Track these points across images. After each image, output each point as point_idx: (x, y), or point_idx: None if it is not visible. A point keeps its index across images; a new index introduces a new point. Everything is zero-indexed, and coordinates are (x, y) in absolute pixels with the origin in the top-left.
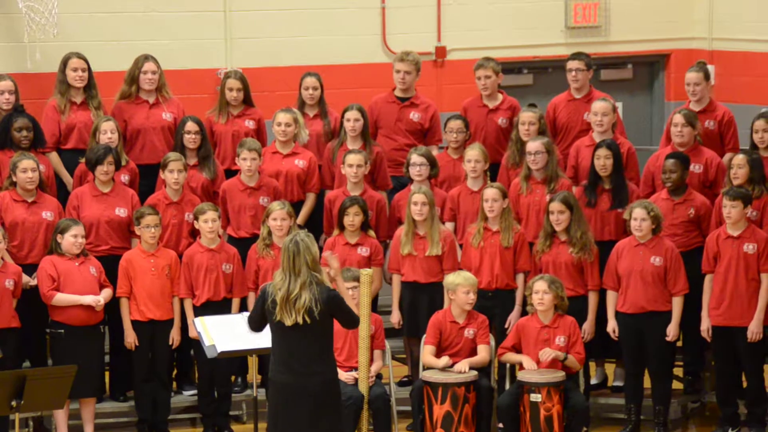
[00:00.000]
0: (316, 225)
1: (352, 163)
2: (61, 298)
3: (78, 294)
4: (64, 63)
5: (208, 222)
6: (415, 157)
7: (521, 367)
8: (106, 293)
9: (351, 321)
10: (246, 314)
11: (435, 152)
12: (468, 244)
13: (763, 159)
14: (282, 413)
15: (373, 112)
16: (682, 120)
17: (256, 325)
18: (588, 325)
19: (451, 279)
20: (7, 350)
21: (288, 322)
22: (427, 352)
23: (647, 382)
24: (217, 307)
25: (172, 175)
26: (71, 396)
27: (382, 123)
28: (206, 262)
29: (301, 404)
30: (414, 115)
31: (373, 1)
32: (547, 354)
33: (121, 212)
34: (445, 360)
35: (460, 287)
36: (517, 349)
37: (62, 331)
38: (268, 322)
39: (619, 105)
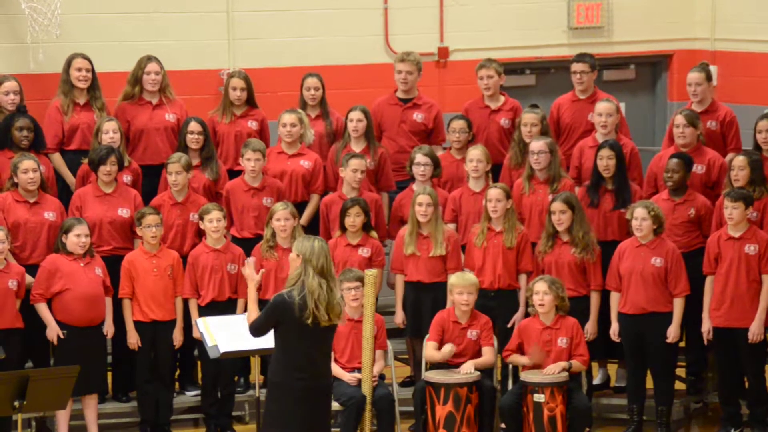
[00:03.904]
0: (319, 226)
1: (357, 168)
2: (42, 310)
3: (82, 295)
4: (68, 63)
5: (213, 222)
6: (419, 157)
7: (524, 368)
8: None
9: None
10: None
11: (439, 152)
12: (471, 244)
13: (765, 160)
14: (295, 416)
15: (376, 114)
16: (683, 120)
17: (261, 333)
18: (590, 326)
19: (450, 280)
20: (10, 350)
21: (324, 324)
22: (429, 348)
23: (650, 383)
24: (222, 307)
25: (171, 177)
26: (74, 393)
27: (386, 125)
28: (211, 262)
29: (315, 405)
30: (417, 116)
31: (376, 2)
32: (552, 369)
33: (124, 213)
34: (448, 348)
35: (454, 288)
36: (521, 350)
37: (65, 332)
38: (278, 327)
39: (622, 105)
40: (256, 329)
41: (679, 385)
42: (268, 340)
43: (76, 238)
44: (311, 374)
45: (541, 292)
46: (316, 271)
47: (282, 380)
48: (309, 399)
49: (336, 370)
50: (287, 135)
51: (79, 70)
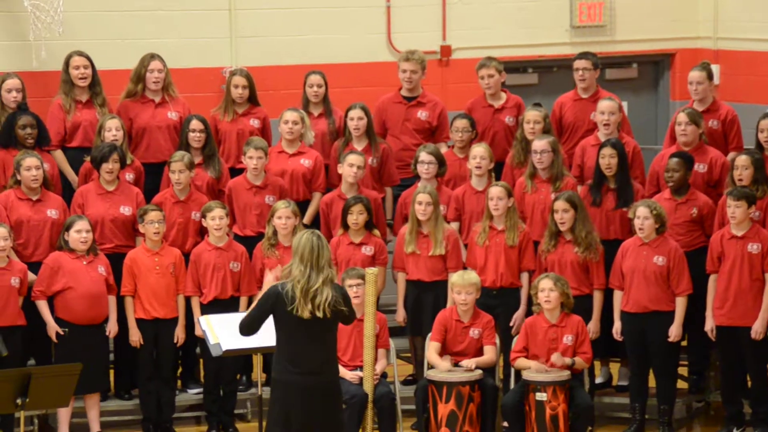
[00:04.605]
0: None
1: (353, 163)
2: (41, 308)
3: (84, 293)
4: (66, 62)
5: (216, 220)
6: (423, 155)
7: None
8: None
9: (352, 317)
10: None
11: (443, 150)
12: (473, 242)
13: (767, 159)
14: (293, 413)
15: (380, 112)
16: (685, 119)
17: (251, 329)
18: (593, 325)
19: (451, 279)
20: (12, 348)
21: (305, 315)
22: (432, 350)
23: (652, 382)
24: (224, 305)
25: (173, 176)
26: (75, 392)
27: (390, 123)
28: (214, 260)
29: (314, 403)
30: (422, 114)
31: (379, 0)
32: (557, 359)
33: (126, 210)
34: (447, 364)
35: (454, 287)
36: (527, 350)
37: (66, 330)
38: (274, 320)
39: (624, 104)
40: (247, 324)
41: (681, 384)
42: (270, 338)
43: (77, 234)
44: (306, 370)
45: (546, 289)
46: (300, 261)
47: (279, 376)
48: (305, 395)
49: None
50: (288, 132)
51: (77, 68)
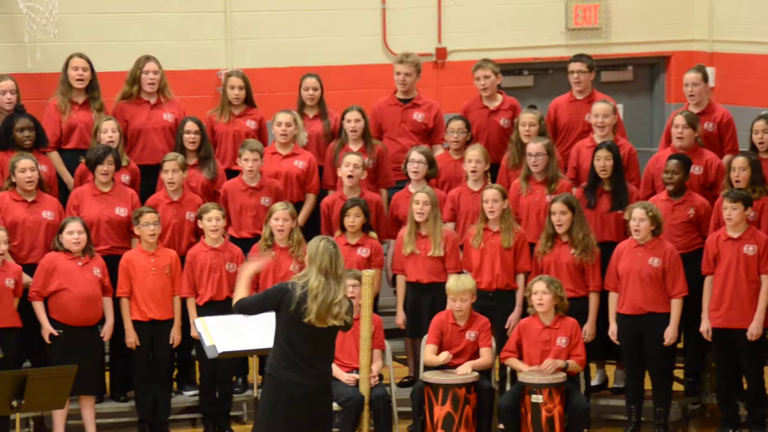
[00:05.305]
0: (315, 226)
1: (350, 163)
2: (38, 309)
3: (79, 295)
4: (66, 63)
5: (212, 221)
6: (414, 154)
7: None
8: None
9: (351, 325)
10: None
11: (440, 151)
12: (468, 244)
13: (762, 161)
14: (288, 412)
15: (376, 115)
16: (683, 122)
17: (247, 312)
18: (589, 327)
19: (447, 283)
20: (8, 349)
21: (320, 326)
22: (428, 351)
23: (648, 384)
24: (220, 306)
25: (166, 176)
26: (71, 393)
27: (386, 126)
28: (210, 261)
29: (310, 405)
30: (417, 116)
31: (374, 2)
32: (549, 365)
33: (121, 212)
34: (444, 355)
35: (449, 293)
36: (519, 348)
37: (61, 331)
38: (276, 318)
39: (620, 107)
40: (245, 307)
41: (677, 386)
42: (266, 340)
43: (69, 236)
44: (300, 371)
45: (539, 292)
46: (319, 271)
47: (272, 371)
48: (299, 395)
49: (334, 370)
50: (282, 134)
51: (76, 69)
